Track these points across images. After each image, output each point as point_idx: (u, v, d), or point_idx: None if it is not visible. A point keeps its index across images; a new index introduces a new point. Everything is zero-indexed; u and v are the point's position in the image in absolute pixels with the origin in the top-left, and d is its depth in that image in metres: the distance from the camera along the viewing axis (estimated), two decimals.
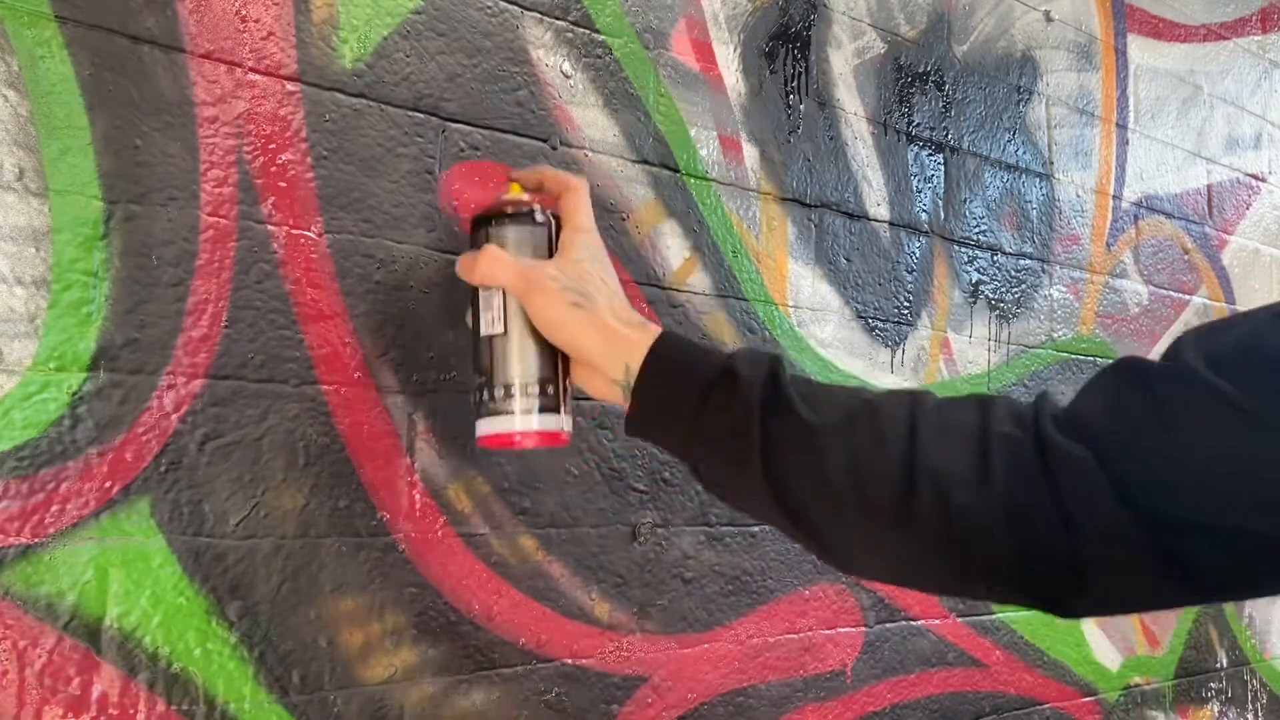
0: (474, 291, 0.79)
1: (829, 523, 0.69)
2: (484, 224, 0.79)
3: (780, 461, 0.69)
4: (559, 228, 0.79)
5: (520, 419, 0.77)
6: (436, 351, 0.91)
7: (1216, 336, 0.63)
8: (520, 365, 0.77)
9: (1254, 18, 1.84)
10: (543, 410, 0.77)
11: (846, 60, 1.23)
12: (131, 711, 0.76)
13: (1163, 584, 0.63)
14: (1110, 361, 0.69)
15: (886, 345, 1.26)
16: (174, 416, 0.78)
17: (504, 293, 0.77)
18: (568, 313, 0.74)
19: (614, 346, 0.73)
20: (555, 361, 0.77)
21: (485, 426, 0.78)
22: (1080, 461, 0.62)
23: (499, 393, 0.77)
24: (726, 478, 0.73)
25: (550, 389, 0.77)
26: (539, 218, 0.79)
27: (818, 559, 0.75)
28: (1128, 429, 0.63)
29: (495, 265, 0.76)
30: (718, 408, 0.70)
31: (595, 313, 0.74)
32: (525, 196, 0.80)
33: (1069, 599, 0.66)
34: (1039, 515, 0.63)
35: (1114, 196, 1.57)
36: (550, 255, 0.78)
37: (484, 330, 0.78)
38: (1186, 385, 0.61)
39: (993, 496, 0.64)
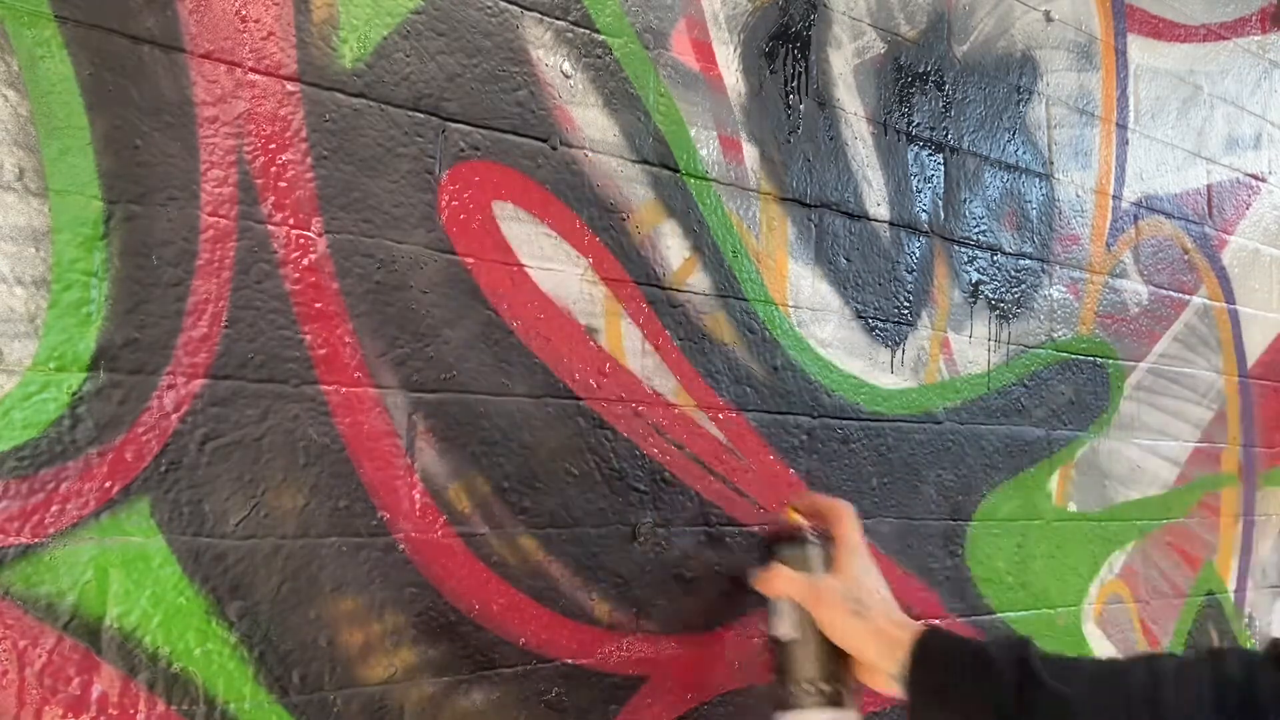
0: (770, 602, 0.96)
1: None
2: (777, 544, 0.97)
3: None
4: (833, 545, 0.96)
5: (813, 713, 0.91)
6: (436, 351, 0.91)
7: None
8: (809, 665, 0.92)
9: (1254, 18, 1.84)
10: (832, 704, 0.91)
11: (846, 60, 1.23)
12: (131, 711, 0.76)
13: None
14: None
15: (886, 345, 1.26)
16: (174, 416, 0.78)
17: (791, 605, 0.93)
18: (849, 620, 0.89)
19: (888, 645, 0.87)
20: (839, 660, 0.92)
21: (792, 717, 0.93)
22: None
23: (793, 689, 0.92)
24: None
25: (837, 684, 0.91)
26: (814, 538, 0.97)
27: None
28: None
29: (788, 583, 0.93)
30: (979, 689, 0.82)
31: (871, 619, 0.89)
32: (802, 521, 0.98)
33: None
34: None
35: (1114, 196, 1.57)
36: (825, 570, 0.94)
37: (780, 635, 0.94)
38: None
39: None
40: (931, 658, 0.86)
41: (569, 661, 0.99)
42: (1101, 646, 1.52)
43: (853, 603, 0.90)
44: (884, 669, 0.88)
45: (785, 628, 0.93)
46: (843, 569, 0.94)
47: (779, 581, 0.94)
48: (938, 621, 1.30)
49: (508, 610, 0.95)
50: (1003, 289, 1.40)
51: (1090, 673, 0.81)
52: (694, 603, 1.08)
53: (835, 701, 0.91)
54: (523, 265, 0.97)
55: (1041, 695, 0.80)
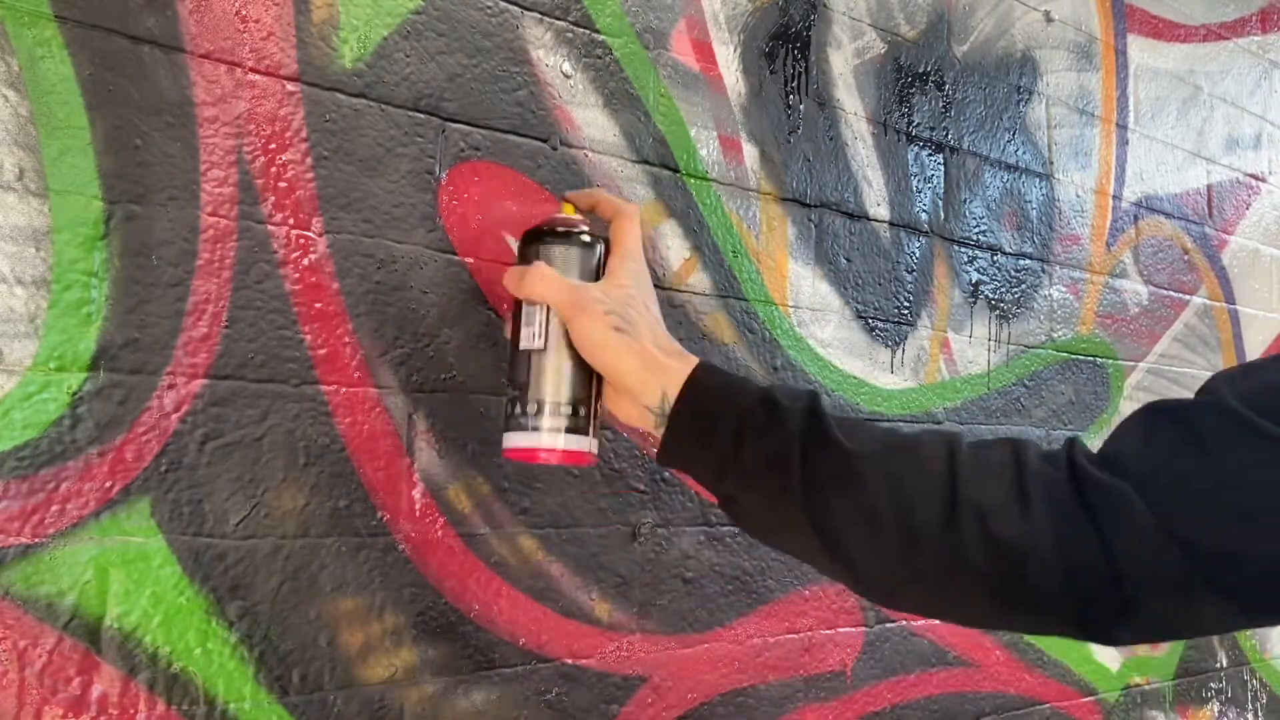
0: (517, 305, 0.80)
1: (868, 552, 0.69)
2: (534, 240, 0.80)
3: (820, 490, 0.69)
4: (608, 251, 0.81)
5: (548, 436, 0.78)
6: (436, 351, 0.91)
7: (1250, 378, 0.65)
8: (555, 383, 0.77)
9: (1254, 18, 1.84)
10: (571, 430, 0.78)
11: (846, 60, 1.23)
12: (131, 711, 0.76)
13: (1208, 609, 0.63)
14: (1141, 408, 0.69)
15: (886, 345, 1.26)
16: (174, 416, 0.78)
17: (547, 309, 0.77)
18: (610, 336, 0.74)
19: (652, 373, 0.74)
20: (590, 384, 0.78)
21: (513, 439, 0.79)
22: (1120, 493, 0.63)
23: (531, 408, 0.78)
24: (762, 509, 0.73)
25: (582, 410, 0.78)
26: (588, 239, 0.80)
27: (854, 591, 0.74)
28: (1166, 463, 0.64)
29: (543, 282, 0.77)
30: (756, 437, 0.70)
31: (637, 338, 0.74)
32: (577, 217, 0.82)
33: (1114, 628, 0.66)
34: (1081, 546, 0.63)
35: (1114, 196, 1.57)
36: (597, 277, 0.79)
37: (523, 344, 0.78)
38: (1224, 421, 0.62)
39: (1034, 529, 0.64)
40: (705, 395, 0.72)
41: (569, 661, 0.99)
42: (1102, 647, 1.52)
43: (617, 317, 0.74)
44: (641, 399, 0.74)
45: (532, 335, 0.77)
46: (612, 277, 0.78)
47: (533, 280, 0.76)
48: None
49: (508, 610, 0.95)
50: (1003, 289, 1.40)
51: (883, 439, 0.71)
52: (694, 603, 1.08)
53: (574, 428, 0.77)
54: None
55: (827, 451, 0.69)
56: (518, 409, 0.78)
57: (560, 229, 0.80)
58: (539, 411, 0.77)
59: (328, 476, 0.85)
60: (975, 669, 1.35)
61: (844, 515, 0.68)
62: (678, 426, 0.73)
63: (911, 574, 0.68)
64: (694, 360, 0.75)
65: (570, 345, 0.77)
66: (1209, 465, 0.62)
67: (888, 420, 1.26)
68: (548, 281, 0.77)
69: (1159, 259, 1.64)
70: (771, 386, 0.74)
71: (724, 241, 1.11)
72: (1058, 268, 1.47)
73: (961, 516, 0.65)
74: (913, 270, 1.29)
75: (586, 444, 0.78)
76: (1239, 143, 1.81)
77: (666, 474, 1.06)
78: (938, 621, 1.31)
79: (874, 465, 0.69)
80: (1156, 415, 0.67)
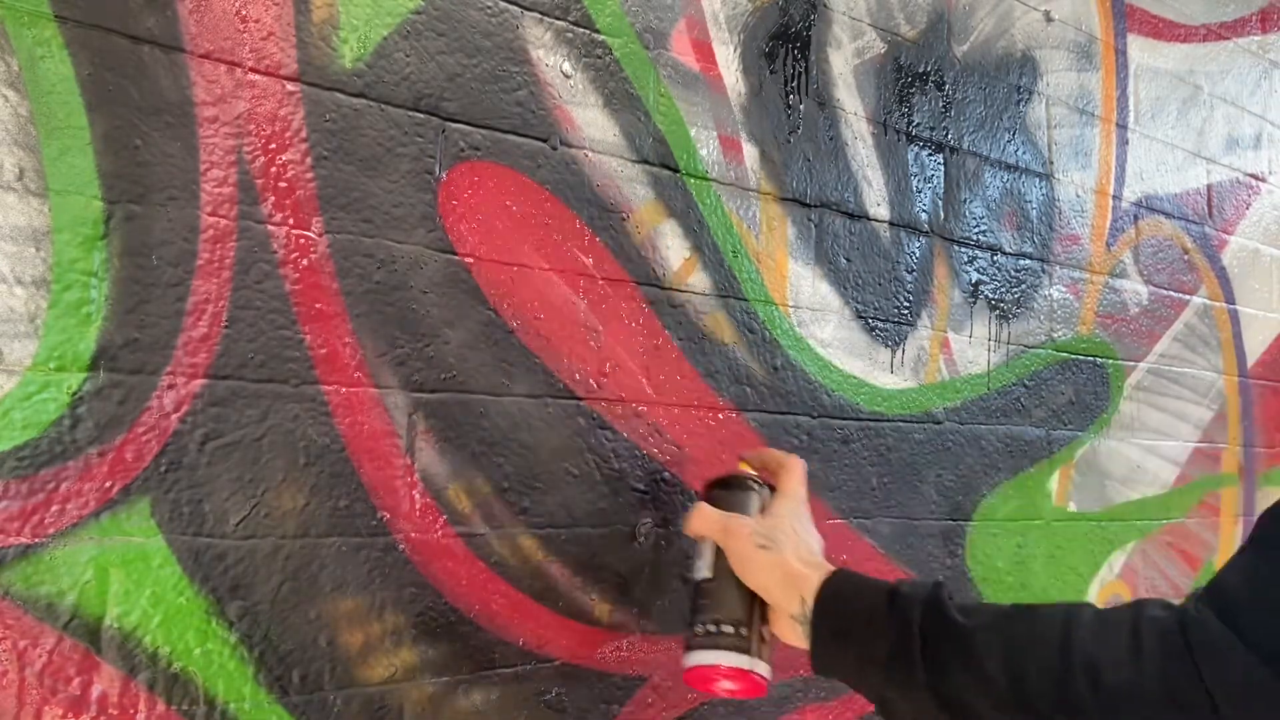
0: (693, 544, 0.90)
1: None
2: (706, 490, 0.92)
3: (940, 665, 0.72)
4: (770, 496, 0.90)
5: (714, 655, 0.83)
6: (436, 351, 0.91)
7: None
8: (719, 607, 0.84)
9: (1254, 18, 1.84)
10: (733, 649, 0.82)
11: (846, 60, 1.23)
12: (131, 711, 0.76)
13: None
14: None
15: (886, 345, 1.26)
16: (174, 416, 0.78)
17: (714, 546, 0.86)
18: (755, 553, 0.82)
19: (792, 583, 0.80)
20: (752, 607, 0.84)
21: (691, 659, 0.85)
22: (1215, 631, 0.65)
23: (698, 630, 0.84)
24: (900, 698, 0.74)
25: (743, 630, 0.83)
26: (749, 485, 0.90)
27: None
28: (1265, 587, 0.65)
29: (702, 518, 0.87)
30: (882, 628, 0.75)
31: (780, 555, 0.81)
32: (749, 471, 0.92)
33: None
34: (1185, 691, 0.65)
35: (1114, 196, 1.57)
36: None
37: (696, 576, 0.87)
38: None
39: (1142, 676, 0.66)
40: (837, 596, 0.77)
41: (569, 661, 0.99)
42: None
43: (762, 538, 0.82)
44: (787, 609, 0.79)
45: (700, 568, 0.86)
46: (770, 510, 0.86)
47: (697, 519, 0.87)
48: None
49: (508, 610, 0.95)
50: (1003, 289, 1.40)
51: (1000, 610, 0.74)
52: None
53: (740, 647, 0.82)
54: (523, 265, 0.97)
55: (946, 633, 0.72)
56: (692, 631, 0.85)
57: (724, 478, 0.91)
58: (706, 633, 0.83)
59: (328, 476, 0.85)
60: None
61: (964, 687, 0.71)
62: (818, 632, 0.78)
63: None
64: (829, 569, 0.80)
65: (730, 574, 0.84)
66: None
67: (888, 420, 1.26)
68: (707, 517, 0.87)
69: (1159, 259, 1.64)
70: (898, 582, 0.78)
71: (724, 241, 1.11)
72: (1058, 268, 1.47)
73: (1074, 671, 0.67)
74: (913, 270, 1.29)
75: (748, 663, 0.82)
76: (1239, 143, 1.81)
77: (667, 474, 1.06)
78: None
79: (990, 635, 0.71)
80: (1259, 540, 0.69)
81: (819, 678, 0.83)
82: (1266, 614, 0.64)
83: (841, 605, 0.77)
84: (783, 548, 0.81)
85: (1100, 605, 0.74)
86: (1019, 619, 0.73)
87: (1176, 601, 0.72)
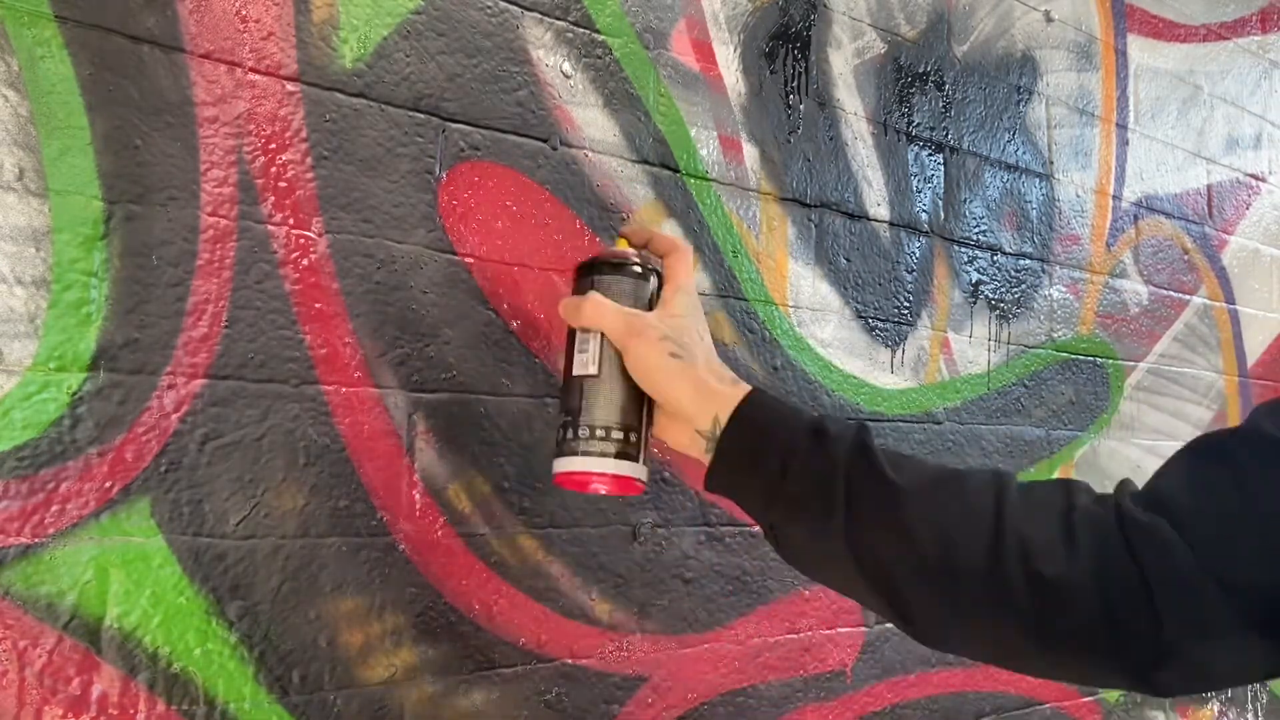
0: (571, 333, 0.80)
1: (913, 589, 0.68)
2: (590, 272, 0.80)
3: (864, 521, 0.68)
4: (660, 284, 0.81)
5: (599, 461, 0.76)
6: (436, 351, 0.91)
7: None
8: (607, 409, 0.77)
9: (1254, 18, 1.84)
10: (622, 456, 0.76)
11: (846, 60, 1.23)
12: (131, 711, 0.76)
13: (1253, 652, 0.62)
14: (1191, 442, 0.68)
15: (886, 345, 1.26)
16: (174, 416, 0.78)
17: (602, 337, 0.77)
18: (665, 361, 0.74)
19: (706, 399, 0.73)
20: (641, 411, 0.78)
21: (564, 464, 0.78)
22: (1159, 532, 0.62)
23: (583, 433, 0.77)
24: (806, 540, 0.72)
25: (633, 436, 0.77)
26: (641, 270, 0.80)
27: (903, 632, 0.72)
28: (1207, 499, 0.63)
29: (599, 310, 0.77)
30: (803, 464, 0.70)
31: (692, 365, 0.75)
32: (630, 250, 0.82)
33: (1161, 674, 0.64)
34: (1123, 586, 0.62)
35: (1114, 196, 1.57)
36: (650, 309, 0.79)
37: (576, 370, 0.78)
38: (1262, 452, 0.62)
39: (1078, 568, 0.63)
40: (755, 421, 0.72)
41: (569, 661, 0.99)
42: None
43: (673, 344, 0.75)
44: (694, 423, 0.74)
45: (585, 362, 0.77)
46: (666, 306, 0.78)
47: (590, 308, 0.77)
48: None
49: (508, 610, 0.95)
50: (1003, 289, 1.40)
51: (931, 473, 0.70)
52: (694, 603, 1.08)
53: (629, 455, 0.76)
54: (523, 265, 0.97)
55: (872, 484, 0.68)
56: (569, 434, 0.77)
57: (615, 260, 0.80)
58: (590, 436, 0.76)
59: (328, 476, 0.85)
60: (975, 669, 1.35)
61: (887, 548, 0.67)
62: (725, 452, 0.73)
63: (955, 613, 0.67)
64: (747, 388, 0.75)
65: (624, 372, 0.77)
66: (1247, 500, 0.61)
67: (888, 420, 1.26)
68: (604, 309, 0.77)
69: (1159, 259, 1.64)
70: (823, 416, 0.74)
71: (724, 241, 1.11)
72: (1058, 268, 1.47)
73: (1005, 553, 0.64)
74: (913, 270, 1.29)
75: (638, 470, 0.77)
76: (1239, 143, 1.81)
77: (667, 474, 1.06)
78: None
79: (919, 501, 0.68)
80: (1199, 452, 0.66)
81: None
82: (1215, 527, 0.61)
83: (756, 431, 0.72)
84: (695, 356, 0.75)
85: None
86: (948, 484, 0.69)
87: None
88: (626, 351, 0.76)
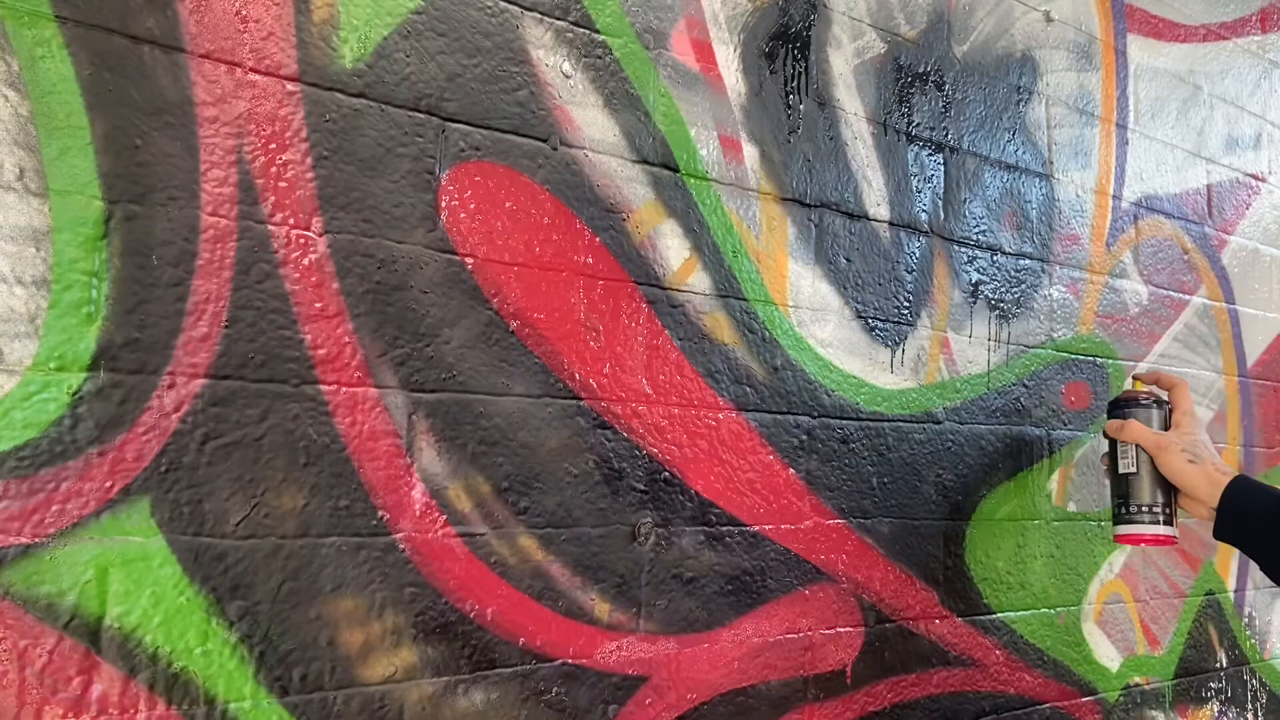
0: (1113, 444, 1.22)
1: None
2: (1123, 405, 1.23)
3: None
4: (1169, 410, 1.22)
5: (1149, 528, 1.19)
6: (436, 351, 0.91)
7: None
8: (1148, 493, 1.19)
9: (1254, 18, 1.84)
10: (1160, 522, 1.19)
11: (846, 60, 1.23)
12: (131, 711, 0.76)
13: None
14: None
15: (886, 345, 1.26)
16: (174, 416, 0.78)
17: (1138, 447, 1.20)
18: (1186, 466, 1.17)
19: (1213, 486, 1.15)
20: (1169, 492, 1.19)
21: (1122, 530, 1.21)
22: None
23: (1133, 509, 1.20)
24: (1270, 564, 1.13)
25: (1167, 509, 1.19)
26: (1157, 403, 1.22)
27: None
28: None
29: (1135, 432, 1.21)
30: (1264, 527, 1.11)
31: (1203, 465, 1.16)
32: (1146, 389, 1.24)
33: None
34: None
35: (1114, 196, 1.57)
36: (1165, 426, 1.22)
37: (1121, 469, 1.21)
38: None
39: None
40: (1237, 497, 1.13)
41: (569, 661, 0.99)
42: (1101, 646, 1.52)
43: (1189, 454, 1.17)
44: (1209, 504, 1.14)
45: (1128, 464, 1.20)
46: (1181, 426, 1.21)
47: (1131, 429, 1.21)
48: None
49: (508, 610, 0.95)
50: (1003, 289, 1.40)
51: None
52: (694, 603, 1.08)
53: (1164, 521, 1.18)
54: (523, 265, 0.97)
55: None
56: (1124, 510, 1.20)
57: (1142, 399, 1.22)
58: (1139, 511, 1.19)
59: (328, 476, 0.85)
60: (975, 669, 1.35)
61: None
62: (1222, 516, 1.13)
63: None
64: (1233, 474, 1.15)
65: (1154, 469, 1.19)
66: None
67: (888, 420, 1.26)
68: (1138, 431, 1.20)
69: (1159, 259, 1.64)
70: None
71: (724, 241, 1.11)
72: (1058, 268, 1.47)
73: None
74: (913, 270, 1.29)
75: (1171, 530, 1.20)
76: (1239, 143, 1.81)
77: (666, 474, 1.06)
78: (939, 621, 1.31)
79: None
80: None
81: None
82: None
83: (1240, 504, 1.12)
84: (1204, 460, 1.17)
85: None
86: None
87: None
88: (1157, 459, 1.18)
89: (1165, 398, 1.24)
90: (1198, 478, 1.17)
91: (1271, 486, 1.14)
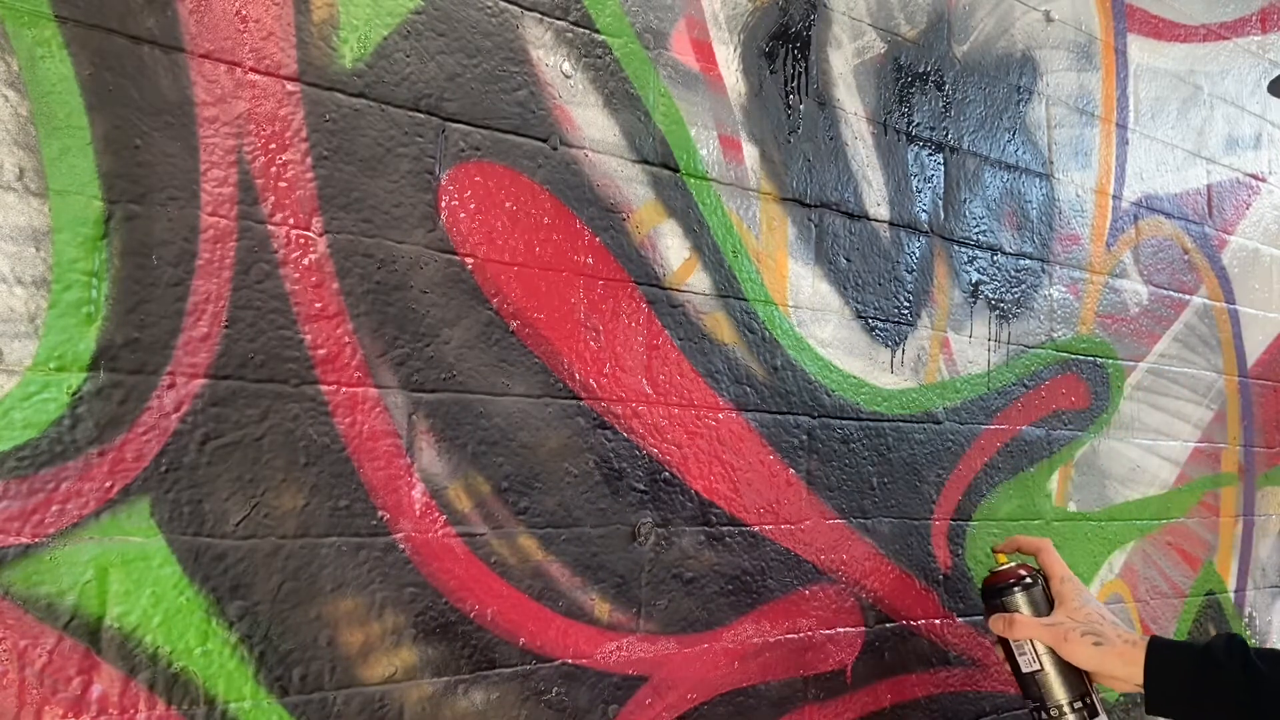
0: (1004, 641, 1.10)
1: None
2: (996, 594, 1.10)
3: (1266, 709, 0.96)
4: (1045, 579, 1.10)
5: None
6: (436, 351, 0.91)
7: None
8: (1061, 690, 1.07)
9: (1254, 18, 1.84)
10: (1090, 715, 1.07)
11: (846, 60, 1.23)
12: (131, 711, 0.76)
13: None
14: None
15: (886, 345, 1.26)
16: (174, 416, 0.78)
17: (1033, 642, 1.07)
18: (1093, 652, 1.04)
19: (1128, 663, 1.02)
20: (1082, 679, 1.07)
21: None
22: None
23: (1054, 713, 1.07)
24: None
25: (1087, 699, 1.07)
26: (1030, 581, 1.10)
27: None
28: None
29: (1026, 627, 1.07)
30: (1211, 689, 0.99)
31: (1110, 645, 1.03)
32: (1013, 564, 1.11)
33: None
34: None
35: (1114, 196, 1.57)
36: (1049, 602, 1.09)
37: (1024, 669, 1.09)
38: None
39: None
40: (1164, 666, 1.02)
41: (569, 661, 0.99)
42: None
43: (1093, 635, 1.05)
44: (1129, 680, 1.03)
45: (1028, 662, 1.09)
46: (1066, 601, 1.08)
47: (1020, 627, 1.08)
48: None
49: (508, 610, 0.95)
50: (1003, 289, 1.40)
51: None
52: (694, 603, 1.08)
53: (1091, 713, 1.07)
54: (522, 265, 0.97)
55: (1265, 687, 0.96)
56: (1045, 716, 1.08)
57: (1012, 582, 1.10)
58: (1060, 714, 1.07)
59: (328, 476, 0.85)
60: (975, 669, 1.35)
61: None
62: (1152, 692, 1.01)
63: None
64: (1146, 639, 1.03)
65: (1058, 660, 1.06)
66: None
67: (888, 420, 1.26)
68: (1028, 627, 1.07)
69: (1159, 259, 1.64)
70: (1208, 644, 1.01)
71: (724, 241, 1.11)
72: (1058, 268, 1.47)
73: None
74: (913, 270, 1.29)
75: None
76: (1239, 143, 1.81)
77: (666, 474, 1.06)
78: (939, 621, 1.31)
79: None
80: None
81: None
82: None
83: (1171, 672, 1.01)
84: (1108, 638, 1.04)
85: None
86: None
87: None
88: (1061, 651, 1.05)
89: (1036, 566, 1.12)
90: (1111, 661, 1.04)
91: (1184, 642, 1.05)
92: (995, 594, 1.10)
